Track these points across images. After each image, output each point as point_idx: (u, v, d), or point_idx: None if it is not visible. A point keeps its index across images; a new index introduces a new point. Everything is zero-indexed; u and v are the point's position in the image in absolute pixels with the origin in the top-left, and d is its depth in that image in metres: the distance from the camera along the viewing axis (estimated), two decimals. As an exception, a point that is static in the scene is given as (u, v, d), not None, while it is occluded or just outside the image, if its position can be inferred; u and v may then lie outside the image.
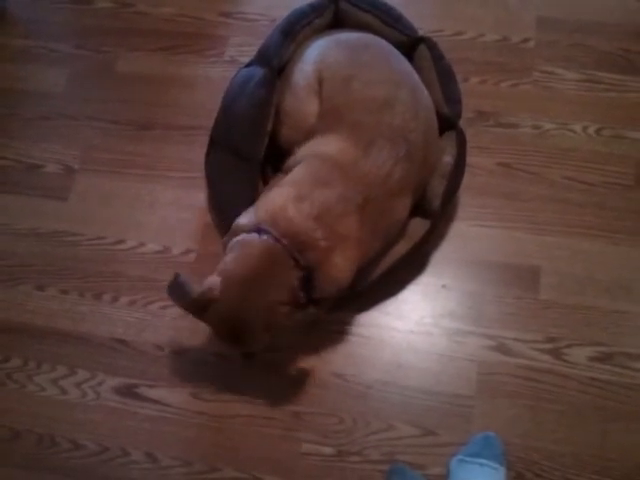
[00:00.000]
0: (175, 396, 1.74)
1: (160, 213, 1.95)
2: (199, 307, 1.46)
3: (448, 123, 1.77)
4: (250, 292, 1.44)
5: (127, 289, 1.87)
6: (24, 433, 1.75)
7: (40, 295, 1.89)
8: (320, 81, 1.66)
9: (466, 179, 1.81)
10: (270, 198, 1.54)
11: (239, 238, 1.49)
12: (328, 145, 1.57)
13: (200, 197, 1.95)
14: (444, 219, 1.83)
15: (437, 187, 1.72)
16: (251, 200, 1.61)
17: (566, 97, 2.01)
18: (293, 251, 1.44)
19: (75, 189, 2.02)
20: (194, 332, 1.79)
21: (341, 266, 1.50)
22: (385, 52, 1.72)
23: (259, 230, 1.46)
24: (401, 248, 1.71)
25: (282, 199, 1.49)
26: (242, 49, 2.16)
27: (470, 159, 1.83)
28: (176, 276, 1.47)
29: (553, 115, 1.98)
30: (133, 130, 2.08)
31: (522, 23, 2.11)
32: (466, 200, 1.88)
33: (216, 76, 2.13)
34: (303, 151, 1.62)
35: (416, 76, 1.73)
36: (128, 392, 1.76)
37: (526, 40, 2.09)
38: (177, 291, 1.47)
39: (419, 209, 1.75)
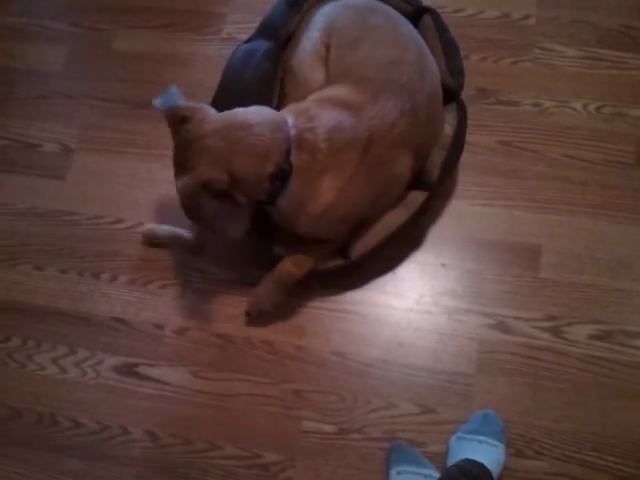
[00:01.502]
0: (175, 375, 1.75)
1: (158, 192, 1.94)
2: (175, 119, 1.46)
3: (451, 94, 1.76)
4: (225, 137, 1.41)
5: (126, 268, 1.87)
6: (24, 412, 1.75)
7: (39, 275, 1.88)
8: (327, 47, 1.66)
9: (466, 157, 1.80)
10: (295, 103, 1.58)
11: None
12: (334, 91, 1.58)
13: (199, 176, 1.94)
14: (444, 197, 1.83)
15: (436, 158, 1.71)
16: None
17: (567, 74, 1.99)
18: (292, 143, 1.45)
19: (73, 168, 2.01)
20: (194, 311, 1.79)
21: (324, 191, 1.51)
22: (392, 17, 1.72)
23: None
24: (399, 218, 1.69)
25: (307, 103, 1.54)
26: (240, 26, 2.14)
27: (470, 137, 1.82)
28: (170, 87, 1.52)
29: (554, 93, 1.97)
30: (131, 109, 2.07)
31: (523, -1, 2.10)
32: (466, 178, 1.87)
33: (214, 54, 2.11)
34: (309, 99, 1.62)
35: (422, 41, 1.72)
36: (128, 371, 1.76)
37: (527, 17, 2.07)
38: (165, 98, 1.50)
39: (419, 182, 1.74)
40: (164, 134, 1.99)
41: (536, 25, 2.06)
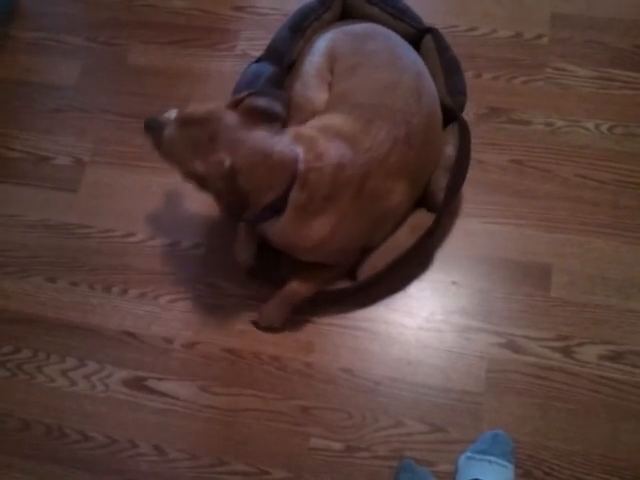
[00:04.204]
0: (183, 389, 1.74)
1: (170, 206, 1.95)
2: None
3: (451, 114, 1.75)
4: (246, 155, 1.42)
5: (136, 282, 1.87)
6: (33, 424, 1.75)
7: (51, 287, 1.89)
8: (331, 71, 1.67)
9: (477, 175, 1.80)
10: (298, 130, 1.55)
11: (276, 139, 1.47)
12: (330, 119, 1.59)
13: (210, 191, 1.94)
14: (454, 215, 1.83)
15: (441, 180, 1.70)
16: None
17: (579, 94, 1.99)
18: (297, 180, 1.47)
19: (85, 181, 2.02)
20: (203, 325, 1.80)
21: (315, 229, 1.52)
22: (391, 41, 1.73)
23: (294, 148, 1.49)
24: (406, 242, 1.69)
25: (312, 132, 1.52)
26: (254, 43, 2.16)
27: (482, 155, 1.82)
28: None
29: (566, 112, 1.97)
30: (144, 123, 2.08)
31: (536, 19, 2.10)
32: (477, 197, 1.87)
33: (227, 70, 2.12)
34: (308, 125, 1.63)
35: (422, 63, 1.72)
36: (137, 385, 1.76)
37: (540, 36, 2.07)
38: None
39: (424, 202, 1.74)
40: (177, 149, 2.02)
41: (549, 45, 2.06)
